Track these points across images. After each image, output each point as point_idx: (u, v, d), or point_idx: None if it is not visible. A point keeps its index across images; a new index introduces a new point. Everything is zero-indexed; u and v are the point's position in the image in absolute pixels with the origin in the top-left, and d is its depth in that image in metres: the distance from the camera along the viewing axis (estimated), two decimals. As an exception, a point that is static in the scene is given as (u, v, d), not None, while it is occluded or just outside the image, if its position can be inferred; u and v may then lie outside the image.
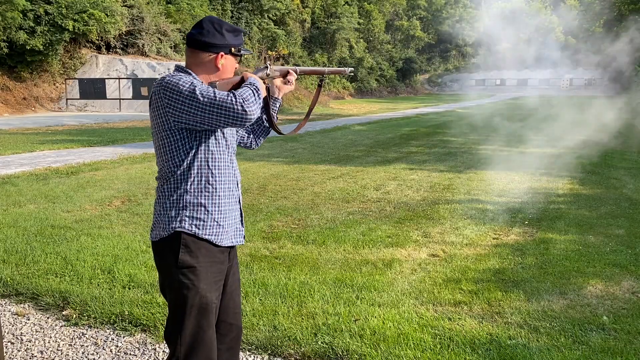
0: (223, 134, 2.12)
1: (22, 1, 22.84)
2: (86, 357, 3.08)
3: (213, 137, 2.07)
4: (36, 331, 3.40)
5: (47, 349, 3.18)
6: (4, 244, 5.00)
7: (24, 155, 11.22)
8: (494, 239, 5.42)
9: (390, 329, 3.29)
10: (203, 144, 2.05)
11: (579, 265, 4.57)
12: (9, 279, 4.13)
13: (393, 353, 3.01)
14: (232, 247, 2.25)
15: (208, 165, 2.06)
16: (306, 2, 46.78)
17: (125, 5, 28.72)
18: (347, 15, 49.01)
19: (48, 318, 3.57)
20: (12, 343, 3.26)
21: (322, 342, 3.13)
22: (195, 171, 2.05)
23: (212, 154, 2.07)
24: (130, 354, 3.09)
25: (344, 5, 49.49)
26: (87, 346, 3.19)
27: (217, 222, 2.10)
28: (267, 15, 40.76)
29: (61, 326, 3.45)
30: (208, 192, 2.06)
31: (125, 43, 29.76)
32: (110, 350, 3.13)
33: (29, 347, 3.21)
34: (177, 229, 2.03)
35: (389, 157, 11.58)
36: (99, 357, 3.07)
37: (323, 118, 24.29)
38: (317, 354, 3.03)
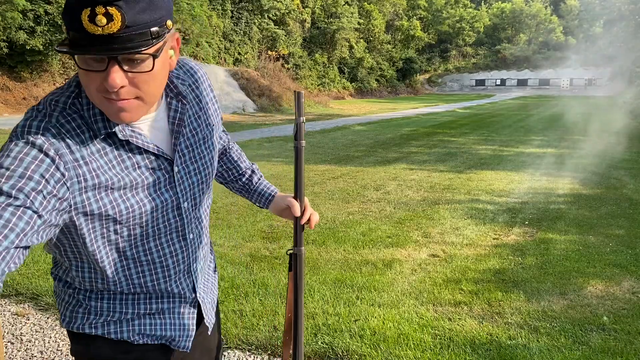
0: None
1: (22, 1, 22.82)
2: (86, 357, 3.07)
3: None
4: (36, 331, 3.40)
5: (47, 349, 3.17)
6: (4, 244, 5.00)
7: (24, 155, 11.21)
8: (494, 239, 5.42)
9: (391, 329, 3.28)
10: None
11: (579, 265, 4.57)
12: (9, 279, 4.13)
13: (393, 353, 3.01)
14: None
15: None
16: (306, 2, 46.76)
17: (125, 5, 28.72)
18: (347, 15, 48.97)
19: (48, 318, 3.57)
20: (12, 343, 3.26)
21: (322, 342, 3.12)
22: None
23: None
24: (130, 354, 3.08)
25: (344, 5, 49.46)
26: (87, 346, 3.19)
27: None
28: (267, 15, 40.74)
29: (61, 326, 3.45)
30: None
31: (125, 43, 29.75)
32: (110, 351, 3.13)
33: (29, 347, 3.21)
34: None
35: (389, 157, 11.58)
36: (98, 357, 3.06)
37: (323, 118, 24.29)
38: (317, 354, 3.03)
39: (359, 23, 52.26)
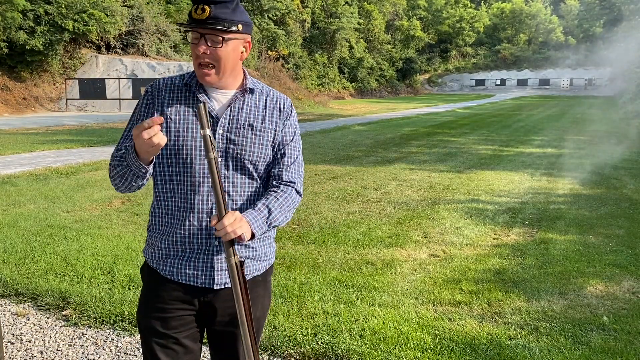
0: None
1: (22, 1, 22.83)
2: (86, 357, 3.08)
3: None
4: (36, 331, 3.40)
5: (47, 349, 3.17)
6: (4, 244, 5.00)
7: (24, 155, 11.22)
8: (494, 239, 5.42)
9: (391, 329, 3.28)
10: None
11: (579, 265, 4.57)
12: (9, 279, 4.13)
13: (393, 353, 3.01)
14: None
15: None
16: (306, 2, 46.75)
17: (125, 5, 28.71)
18: (347, 15, 48.96)
19: (48, 318, 3.57)
20: (12, 343, 3.26)
21: (322, 342, 3.12)
22: None
23: None
24: (130, 354, 3.09)
25: (344, 5, 49.45)
26: (87, 346, 3.19)
27: None
28: (267, 15, 40.73)
29: (61, 326, 3.45)
30: None
31: (125, 43, 29.75)
32: (110, 350, 3.13)
33: (29, 347, 3.21)
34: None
35: (389, 157, 11.58)
36: (99, 357, 3.07)
37: (323, 118, 24.29)
38: (317, 354, 3.03)
39: (359, 23, 52.25)
